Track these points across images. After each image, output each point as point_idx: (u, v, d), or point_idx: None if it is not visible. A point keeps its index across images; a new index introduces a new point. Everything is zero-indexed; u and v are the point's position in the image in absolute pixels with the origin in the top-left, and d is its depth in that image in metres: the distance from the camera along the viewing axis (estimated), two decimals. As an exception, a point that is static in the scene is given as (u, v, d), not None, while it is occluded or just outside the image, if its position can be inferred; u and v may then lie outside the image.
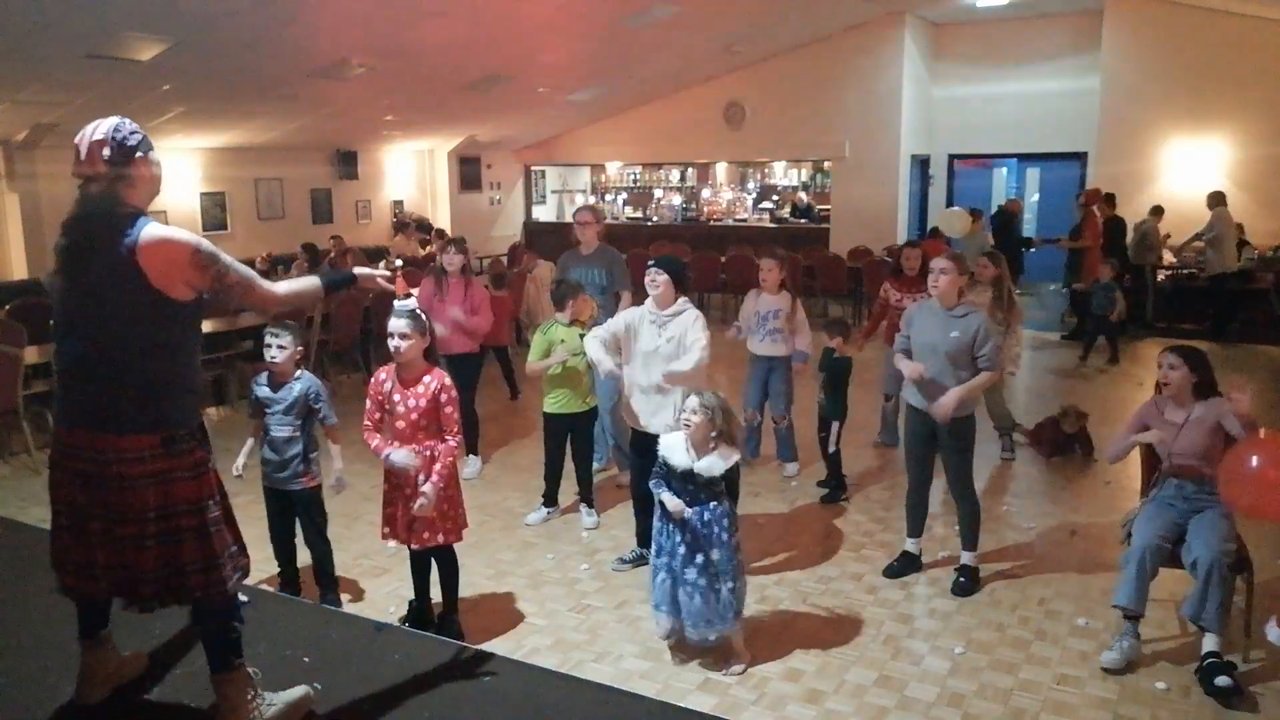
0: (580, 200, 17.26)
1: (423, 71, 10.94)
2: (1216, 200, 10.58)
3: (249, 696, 2.71)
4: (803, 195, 15.73)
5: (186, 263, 2.48)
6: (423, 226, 14.74)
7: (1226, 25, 11.83)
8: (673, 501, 3.64)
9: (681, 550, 3.66)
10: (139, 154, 2.54)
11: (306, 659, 3.21)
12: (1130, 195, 11.76)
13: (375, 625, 3.57)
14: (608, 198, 17.63)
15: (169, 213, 11.11)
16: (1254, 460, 3.32)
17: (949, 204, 14.80)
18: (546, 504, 5.38)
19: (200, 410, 2.69)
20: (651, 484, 3.77)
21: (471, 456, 6.16)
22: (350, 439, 4.76)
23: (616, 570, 4.68)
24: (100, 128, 2.51)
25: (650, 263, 4.43)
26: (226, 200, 12.91)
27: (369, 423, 3.80)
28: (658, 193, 17.28)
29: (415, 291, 3.87)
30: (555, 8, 9.68)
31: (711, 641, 3.72)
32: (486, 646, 3.79)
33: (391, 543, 3.90)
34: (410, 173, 16.20)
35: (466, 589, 4.22)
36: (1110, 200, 11.12)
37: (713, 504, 3.67)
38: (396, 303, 3.67)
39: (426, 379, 3.70)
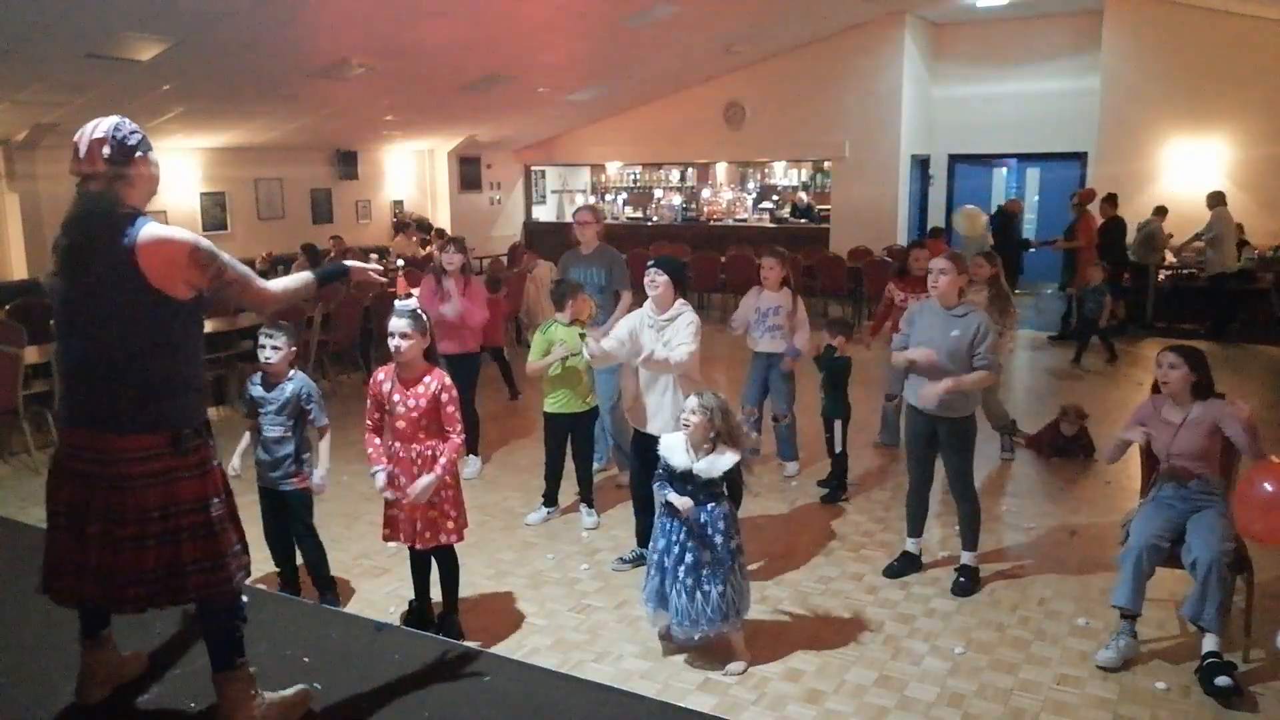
0: (580, 200, 17.26)
1: (423, 71, 10.94)
2: (1216, 200, 10.58)
3: (251, 696, 2.71)
4: (803, 195, 15.73)
5: (185, 261, 2.49)
6: (423, 226, 14.76)
7: (1226, 25, 11.83)
8: (681, 501, 3.61)
9: (675, 549, 3.66)
10: (139, 153, 2.55)
11: (306, 659, 3.20)
12: (1130, 195, 11.75)
13: (375, 625, 3.57)
14: (608, 198, 17.63)
15: (169, 212, 11.13)
16: (1268, 486, 3.33)
17: (949, 204, 14.82)
18: (546, 504, 5.39)
19: (204, 408, 2.69)
20: (655, 485, 3.76)
21: (471, 456, 6.16)
22: (351, 439, 4.76)
23: (616, 570, 4.68)
24: (100, 126, 2.51)
25: (650, 263, 4.42)
26: (226, 200, 12.93)
27: (370, 423, 3.81)
28: (658, 193, 17.28)
29: (415, 291, 3.88)
30: (555, 8, 9.68)
31: (696, 641, 3.71)
32: (486, 647, 3.80)
33: (392, 544, 3.90)
34: (410, 173, 16.21)
35: (467, 589, 4.22)
36: (1113, 200, 11.11)
37: (711, 505, 3.66)
38: (397, 303, 3.69)
39: (427, 379, 3.70)
